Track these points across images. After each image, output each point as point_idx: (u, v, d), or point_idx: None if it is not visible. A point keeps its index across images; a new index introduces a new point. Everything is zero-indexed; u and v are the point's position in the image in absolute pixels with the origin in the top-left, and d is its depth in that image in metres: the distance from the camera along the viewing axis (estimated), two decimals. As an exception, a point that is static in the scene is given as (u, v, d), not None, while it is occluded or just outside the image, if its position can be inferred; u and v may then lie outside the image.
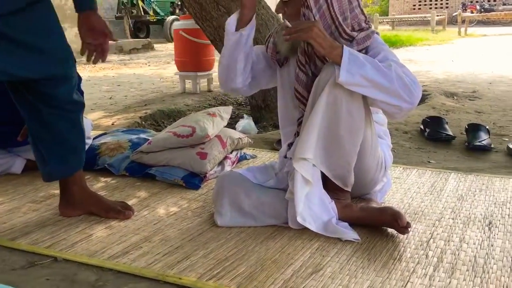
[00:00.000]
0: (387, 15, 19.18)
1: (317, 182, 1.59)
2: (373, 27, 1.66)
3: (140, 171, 2.21)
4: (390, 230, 1.58)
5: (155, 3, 14.46)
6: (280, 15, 1.74)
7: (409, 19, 16.14)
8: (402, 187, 2.01)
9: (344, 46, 1.49)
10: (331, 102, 1.51)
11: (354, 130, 1.55)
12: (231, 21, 1.67)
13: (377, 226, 1.60)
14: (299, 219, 1.55)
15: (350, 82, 1.46)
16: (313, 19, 1.55)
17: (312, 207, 1.57)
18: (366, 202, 1.75)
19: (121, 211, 1.77)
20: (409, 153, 2.57)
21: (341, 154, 1.57)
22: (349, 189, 1.66)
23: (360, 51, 1.55)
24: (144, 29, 14.86)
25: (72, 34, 9.92)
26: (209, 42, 3.96)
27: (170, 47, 11.36)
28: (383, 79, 1.46)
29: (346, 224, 1.58)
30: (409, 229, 1.52)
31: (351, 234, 1.53)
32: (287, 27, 1.56)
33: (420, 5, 19.71)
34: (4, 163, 2.28)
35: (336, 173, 1.61)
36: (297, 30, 1.51)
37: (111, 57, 9.88)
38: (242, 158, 2.41)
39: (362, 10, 1.62)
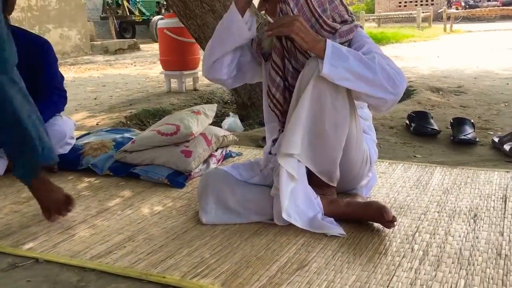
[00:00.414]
0: (373, 13, 19.26)
1: (302, 178, 1.58)
2: (356, 21, 1.65)
3: (124, 171, 2.18)
4: (376, 224, 1.57)
5: (141, 3, 14.39)
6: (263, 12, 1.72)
7: (395, 16, 16.21)
8: (388, 181, 2.01)
9: (327, 39, 1.48)
10: (316, 96, 1.50)
11: (339, 124, 1.54)
12: (234, 9, 1.64)
13: (363, 221, 1.59)
14: (284, 216, 1.53)
15: (333, 75, 1.45)
16: (291, 14, 1.54)
17: (298, 203, 1.56)
18: (352, 197, 1.75)
19: (58, 212, 1.71)
20: (395, 148, 2.57)
21: (326, 149, 1.56)
22: (335, 185, 1.65)
23: (343, 43, 1.54)
24: (130, 30, 14.76)
25: (56, 35, 9.83)
26: (193, 40, 3.93)
27: (156, 47, 11.30)
28: (367, 71, 1.45)
29: (331, 219, 1.57)
30: (395, 223, 1.51)
31: (336, 229, 1.52)
32: (269, 22, 1.55)
33: (406, 2, 19.82)
34: None
35: (322, 169, 1.60)
36: (279, 25, 1.50)
37: (96, 57, 9.81)
38: (227, 156, 2.39)
39: (342, 2, 1.61)
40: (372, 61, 1.46)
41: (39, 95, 2.31)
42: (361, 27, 1.64)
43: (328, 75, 1.45)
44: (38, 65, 2.31)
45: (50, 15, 9.76)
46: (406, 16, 15.42)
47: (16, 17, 8.97)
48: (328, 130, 1.53)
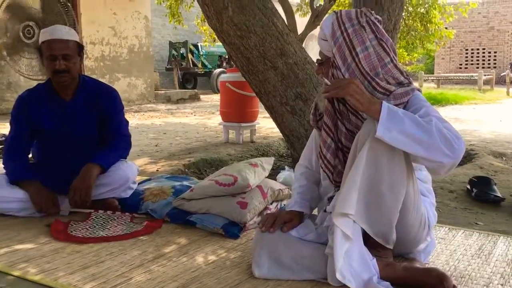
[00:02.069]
0: (433, 73, 19.10)
1: (357, 238, 1.56)
2: (414, 84, 1.66)
3: (181, 218, 2.23)
4: (434, 292, 1.51)
5: (204, 56, 15.05)
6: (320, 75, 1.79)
7: (455, 78, 16.00)
8: (448, 248, 1.94)
9: (383, 101, 1.50)
10: (372, 157, 1.51)
11: (396, 186, 1.52)
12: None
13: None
14: (338, 276, 1.51)
15: (388, 138, 1.45)
16: (341, 77, 1.59)
17: (352, 264, 1.54)
18: (410, 261, 1.70)
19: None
20: (455, 213, 2.49)
21: (382, 211, 1.54)
22: (391, 247, 1.62)
23: (397, 105, 1.55)
24: (192, 81, 15.43)
25: (125, 84, 10.42)
26: (253, 94, 4.06)
27: (215, 98, 11.70)
28: (423, 134, 1.44)
29: (387, 283, 1.53)
30: (455, 292, 1.45)
31: (392, 294, 1.48)
32: (326, 84, 1.61)
33: (466, 64, 19.58)
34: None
35: (377, 230, 1.58)
36: (336, 87, 1.55)
37: (159, 106, 10.25)
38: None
39: (396, 65, 1.63)
40: (429, 124, 1.45)
41: (106, 140, 2.46)
42: (419, 90, 1.65)
43: (383, 137, 1.45)
44: (106, 112, 2.47)
45: (120, 65, 10.40)
46: (467, 78, 15.19)
47: (90, 66, 9.63)
48: (385, 191, 1.52)
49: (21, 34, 7.44)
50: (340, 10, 1.68)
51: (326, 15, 1.74)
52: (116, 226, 2.18)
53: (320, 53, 1.75)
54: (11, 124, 2.46)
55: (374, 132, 1.47)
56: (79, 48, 2.39)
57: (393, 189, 1.52)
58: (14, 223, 2.25)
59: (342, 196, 1.53)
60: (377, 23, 1.65)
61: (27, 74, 7.46)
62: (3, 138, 4.68)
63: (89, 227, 2.16)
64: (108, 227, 2.17)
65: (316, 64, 1.77)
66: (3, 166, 2.41)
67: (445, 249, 1.93)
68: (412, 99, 1.58)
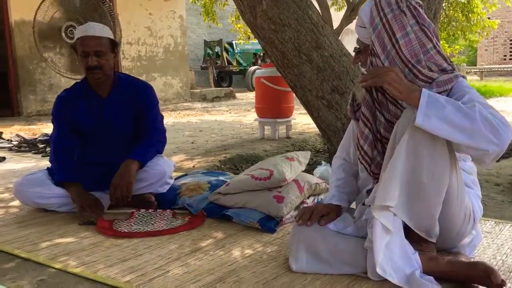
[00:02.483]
0: (475, 65, 18.50)
1: (398, 232, 1.50)
2: (457, 70, 1.59)
3: (217, 212, 2.23)
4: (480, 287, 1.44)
5: (239, 54, 15.09)
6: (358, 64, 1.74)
7: (500, 70, 15.43)
8: (495, 242, 1.85)
9: (423, 89, 1.43)
10: (412, 147, 1.44)
11: (438, 176, 1.46)
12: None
13: (466, 283, 1.47)
14: (378, 270, 1.46)
15: (428, 126, 1.39)
16: (381, 65, 1.54)
17: (393, 257, 1.48)
18: (454, 255, 1.62)
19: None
20: (502, 206, 2.38)
21: (424, 203, 1.48)
22: (434, 241, 1.55)
23: (440, 93, 1.48)
24: (227, 79, 15.51)
25: (161, 83, 10.57)
26: (289, 89, 4.02)
27: (251, 96, 11.71)
28: (465, 121, 1.36)
29: (431, 278, 1.46)
30: (504, 287, 1.38)
31: (436, 289, 1.42)
32: (363, 74, 1.56)
33: (511, 55, 18.85)
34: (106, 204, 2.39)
35: (419, 223, 1.52)
36: (373, 76, 1.49)
37: (195, 104, 10.35)
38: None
39: (439, 51, 1.56)
40: (472, 110, 1.37)
41: (142, 134, 2.48)
42: (463, 77, 1.57)
43: (423, 125, 1.39)
44: (142, 106, 2.49)
45: (156, 64, 10.55)
46: (512, 69, 14.62)
47: (127, 66, 9.81)
48: (426, 182, 1.45)
49: (63, 34, 7.67)
50: None
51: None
52: (160, 222, 2.19)
53: (358, 41, 1.70)
54: (53, 123, 2.51)
55: (413, 121, 1.41)
56: (113, 45, 2.42)
57: (434, 180, 1.45)
58: (55, 218, 2.30)
59: (382, 188, 1.47)
60: (418, 7, 1.58)
61: (66, 73, 7.68)
62: (46, 138, 4.83)
63: (133, 223, 2.18)
64: (152, 222, 2.19)
65: (354, 53, 1.72)
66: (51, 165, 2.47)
67: (491, 243, 1.84)
68: (455, 86, 1.51)
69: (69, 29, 7.69)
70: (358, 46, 1.70)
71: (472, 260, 1.62)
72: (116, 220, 2.22)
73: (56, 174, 2.38)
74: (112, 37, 2.43)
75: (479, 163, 1.49)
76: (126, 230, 2.08)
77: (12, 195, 2.52)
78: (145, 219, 2.23)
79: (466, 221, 1.60)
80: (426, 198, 1.47)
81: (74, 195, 2.31)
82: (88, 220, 2.21)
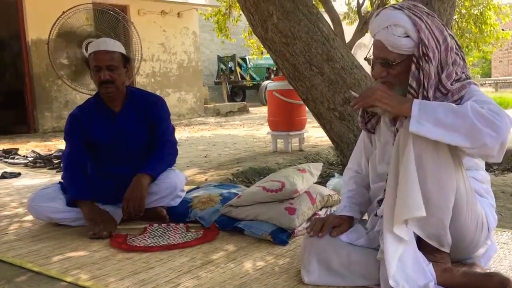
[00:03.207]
0: (490, 77, 18.34)
1: (410, 242, 1.47)
2: (471, 78, 1.58)
3: (229, 225, 2.22)
4: (497, 300, 1.41)
5: (252, 69, 15.18)
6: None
7: (515, 81, 15.28)
8: (511, 253, 1.81)
9: (414, 99, 1.44)
10: (416, 156, 1.43)
11: (444, 184, 1.44)
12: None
13: (482, 295, 1.43)
14: (392, 283, 1.43)
15: (422, 131, 1.39)
16: (434, 71, 1.49)
17: (406, 270, 1.45)
18: (469, 266, 1.59)
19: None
20: (518, 217, 2.33)
21: (432, 211, 1.46)
22: (447, 250, 1.52)
23: (455, 101, 1.48)
24: (241, 94, 15.59)
25: (175, 99, 10.66)
26: (301, 102, 4.02)
27: (264, 110, 11.71)
28: (459, 120, 1.36)
29: (445, 290, 1.44)
30: (521, 299, 1.34)
31: (451, 302, 1.38)
32: (354, 97, 1.57)
33: (526, 66, 18.66)
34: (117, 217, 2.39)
35: (429, 233, 1.49)
36: (363, 98, 1.51)
37: (208, 119, 10.41)
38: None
39: (463, 58, 1.57)
40: (464, 107, 1.37)
41: (153, 146, 2.49)
42: (475, 84, 1.55)
43: (417, 131, 1.39)
44: (154, 119, 2.50)
45: (170, 80, 10.66)
46: (528, 80, 14.46)
47: (141, 82, 9.92)
48: (432, 190, 1.44)
49: (84, 50, 7.81)
50: (400, 4, 1.57)
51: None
52: (174, 236, 2.19)
53: (389, 53, 1.53)
54: (65, 141, 2.53)
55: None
56: (125, 60, 2.45)
57: (441, 187, 1.44)
58: (68, 232, 2.31)
59: (404, 200, 1.42)
60: (455, 37, 1.59)
61: (82, 89, 7.79)
62: (61, 153, 4.89)
63: (148, 238, 2.18)
64: (167, 237, 2.18)
65: (381, 66, 1.57)
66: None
67: (508, 254, 1.80)
68: (467, 93, 1.50)
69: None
70: (389, 58, 1.54)
71: (487, 271, 1.58)
72: (129, 235, 2.22)
73: (68, 192, 2.38)
74: (124, 52, 2.46)
75: (486, 160, 1.46)
76: (141, 245, 2.08)
77: (26, 210, 2.54)
78: (159, 233, 2.23)
79: (478, 230, 1.57)
80: (434, 205, 1.45)
81: (86, 211, 2.31)
82: (99, 236, 2.20)
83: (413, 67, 1.52)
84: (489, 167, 3.95)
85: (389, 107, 1.47)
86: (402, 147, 1.47)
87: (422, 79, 1.50)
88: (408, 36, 1.51)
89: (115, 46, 2.41)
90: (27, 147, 6.11)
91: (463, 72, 1.56)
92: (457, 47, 1.56)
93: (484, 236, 1.58)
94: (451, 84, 1.51)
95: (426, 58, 1.50)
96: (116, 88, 2.41)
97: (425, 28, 1.50)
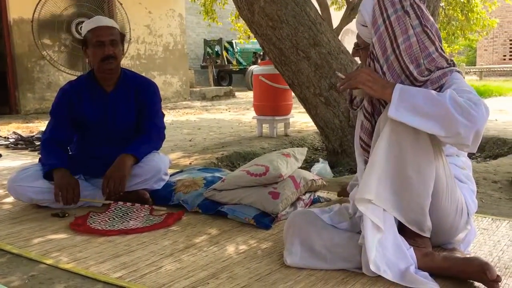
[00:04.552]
0: (475, 65, 18.48)
1: (390, 227, 1.49)
2: (457, 67, 1.57)
3: (212, 209, 2.21)
4: (476, 284, 1.43)
5: (239, 53, 15.07)
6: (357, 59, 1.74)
7: (499, 70, 15.41)
8: (491, 239, 1.83)
9: (397, 84, 1.45)
10: (395, 141, 1.45)
11: (423, 169, 1.45)
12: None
13: (461, 279, 1.45)
14: (372, 267, 1.44)
15: (400, 117, 1.40)
16: (380, 71, 1.54)
17: (387, 253, 1.47)
18: (450, 251, 1.61)
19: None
20: (499, 203, 2.36)
21: (412, 197, 1.47)
22: (427, 235, 1.54)
23: (435, 89, 1.48)
24: (227, 78, 15.49)
25: (160, 82, 10.54)
26: (287, 87, 4.00)
27: (250, 94, 11.67)
28: (435, 107, 1.37)
29: (426, 274, 1.45)
30: (499, 283, 1.36)
31: (432, 285, 1.40)
32: (341, 78, 1.59)
33: (511, 55, 18.82)
34: (88, 195, 2.38)
35: (410, 218, 1.51)
36: (347, 79, 1.54)
37: (194, 103, 10.33)
38: (315, 201, 2.34)
39: (441, 54, 1.55)
40: (443, 96, 1.38)
41: (141, 130, 2.47)
42: (458, 71, 1.55)
43: (395, 117, 1.41)
44: (144, 103, 2.48)
45: (156, 63, 10.52)
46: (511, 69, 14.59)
47: (126, 65, 9.77)
48: (411, 175, 1.45)
49: (73, 30, 7.66)
50: None
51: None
52: (135, 219, 2.15)
53: (358, 37, 1.66)
54: (51, 115, 2.49)
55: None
56: (122, 37, 2.43)
57: (420, 172, 1.45)
58: (49, 214, 2.28)
59: (363, 183, 1.47)
60: (421, 5, 1.56)
61: (66, 69, 7.66)
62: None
63: (108, 219, 2.15)
64: (127, 219, 2.15)
65: (354, 48, 1.70)
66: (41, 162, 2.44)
67: (488, 239, 1.82)
68: (447, 80, 1.51)
69: (80, 26, 7.68)
70: (358, 43, 1.67)
71: (468, 256, 1.60)
72: (91, 213, 2.20)
73: (46, 164, 2.34)
74: (119, 29, 2.44)
75: (462, 149, 1.47)
76: (100, 228, 2.04)
77: (6, 192, 2.50)
78: (121, 214, 2.19)
79: (458, 215, 1.58)
80: (414, 191, 1.47)
81: (56, 178, 2.28)
82: (60, 212, 2.22)
83: (367, 61, 1.58)
84: (471, 154, 4.00)
85: (372, 90, 1.49)
86: (381, 131, 1.48)
87: (375, 70, 1.55)
88: (365, 26, 1.58)
89: (113, 23, 2.44)
90: (8, 128, 6.00)
91: (449, 63, 1.55)
92: (434, 43, 1.54)
93: (464, 221, 1.60)
94: (430, 73, 1.52)
95: (372, 55, 1.56)
96: (117, 64, 2.41)
97: (382, 23, 1.53)
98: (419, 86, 1.50)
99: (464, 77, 1.58)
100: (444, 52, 1.57)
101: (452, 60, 1.58)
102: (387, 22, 1.53)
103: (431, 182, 1.47)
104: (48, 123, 2.51)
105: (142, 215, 2.21)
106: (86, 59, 2.53)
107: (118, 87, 2.48)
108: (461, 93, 1.41)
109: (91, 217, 2.17)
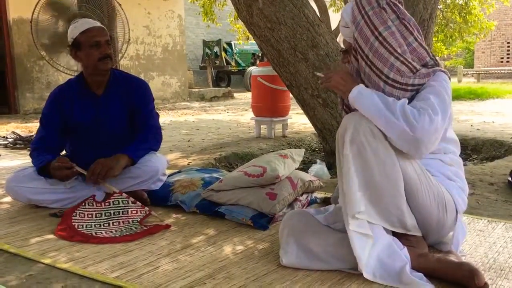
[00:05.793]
0: (472, 67, 18.52)
1: (379, 232, 1.51)
2: (441, 64, 1.62)
3: (210, 209, 2.22)
4: (468, 288, 1.43)
5: (237, 54, 15.09)
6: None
7: (496, 72, 15.45)
8: (487, 240, 1.84)
9: (357, 86, 1.55)
10: (356, 153, 1.50)
11: (389, 172, 1.49)
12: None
13: (451, 282, 1.45)
14: (367, 276, 1.46)
15: (357, 102, 1.52)
16: (364, 63, 1.58)
17: (381, 257, 1.49)
18: (445, 254, 1.61)
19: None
20: (495, 205, 2.37)
21: (387, 201, 1.51)
22: (416, 233, 1.57)
23: (420, 85, 1.55)
24: (226, 79, 15.50)
25: (159, 82, 10.55)
26: (285, 88, 4.01)
27: (249, 95, 11.68)
28: (385, 109, 1.47)
29: (421, 274, 1.46)
30: (487, 290, 1.37)
31: (428, 287, 1.40)
32: (320, 77, 1.69)
33: (508, 58, 18.86)
34: (87, 194, 2.37)
35: (392, 221, 1.54)
36: (324, 81, 1.65)
37: (193, 104, 10.34)
38: (312, 202, 2.35)
39: (421, 44, 1.60)
40: (396, 103, 1.47)
41: (136, 131, 2.46)
42: (443, 71, 1.58)
43: (355, 98, 1.53)
44: (136, 104, 2.47)
45: (155, 63, 10.54)
46: (509, 72, 14.64)
47: (125, 65, 9.79)
48: (381, 180, 1.49)
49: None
50: None
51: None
52: (119, 224, 2.08)
53: (344, 41, 1.73)
54: (41, 123, 2.47)
55: (352, 127, 1.51)
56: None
57: (387, 175, 1.49)
58: (47, 214, 2.28)
59: (347, 200, 1.51)
60: (397, 3, 1.62)
61: (66, 70, 7.66)
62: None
63: (96, 214, 2.15)
64: (114, 220, 2.11)
65: (341, 53, 1.75)
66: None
67: (484, 241, 1.84)
68: (429, 80, 1.56)
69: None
70: (344, 47, 1.73)
71: (463, 259, 1.61)
72: (80, 207, 2.21)
73: (40, 161, 2.33)
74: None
75: (410, 154, 1.52)
76: (85, 231, 1.99)
77: (4, 192, 2.50)
78: (111, 211, 2.16)
79: (442, 211, 1.59)
80: (387, 194, 1.50)
81: (51, 167, 2.28)
82: (58, 212, 2.24)
83: (352, 58, 1.63)
84: (468, 156, 4.02)
85: (342, 93, 1.61)
86: (340, 146, 1.55)
87: (358, 70, 1.61)
88: (347, 27, 1.66)
89: (100, 24, 2.42)
90: (7, 128, 6.01)
91: (432, 58, 1.61)
92: (413, 33, 1.59)
93: (452, 218, 1.61)
94: (413, 67, 1.55)
95: (356, 46, 1.60)
96: (111, 65, 2.42)
97: (361, 18, 1.59)
98: (409, 72, 1.54)
99: (449, 78, 1.61)
100: (424, 44, 1.62)
101: (434, 56, 1.63)
102: (365, 16, 1.58)
103: (400, 182, 1.51)
104: (37, 131, 2.49)
105: (129, 220, 2.11)
106: (77, 62, 2.52)
107: (108, 90, 2.46)
108: (421, 100, 1.49)
109: (79, 209, 2.17)
